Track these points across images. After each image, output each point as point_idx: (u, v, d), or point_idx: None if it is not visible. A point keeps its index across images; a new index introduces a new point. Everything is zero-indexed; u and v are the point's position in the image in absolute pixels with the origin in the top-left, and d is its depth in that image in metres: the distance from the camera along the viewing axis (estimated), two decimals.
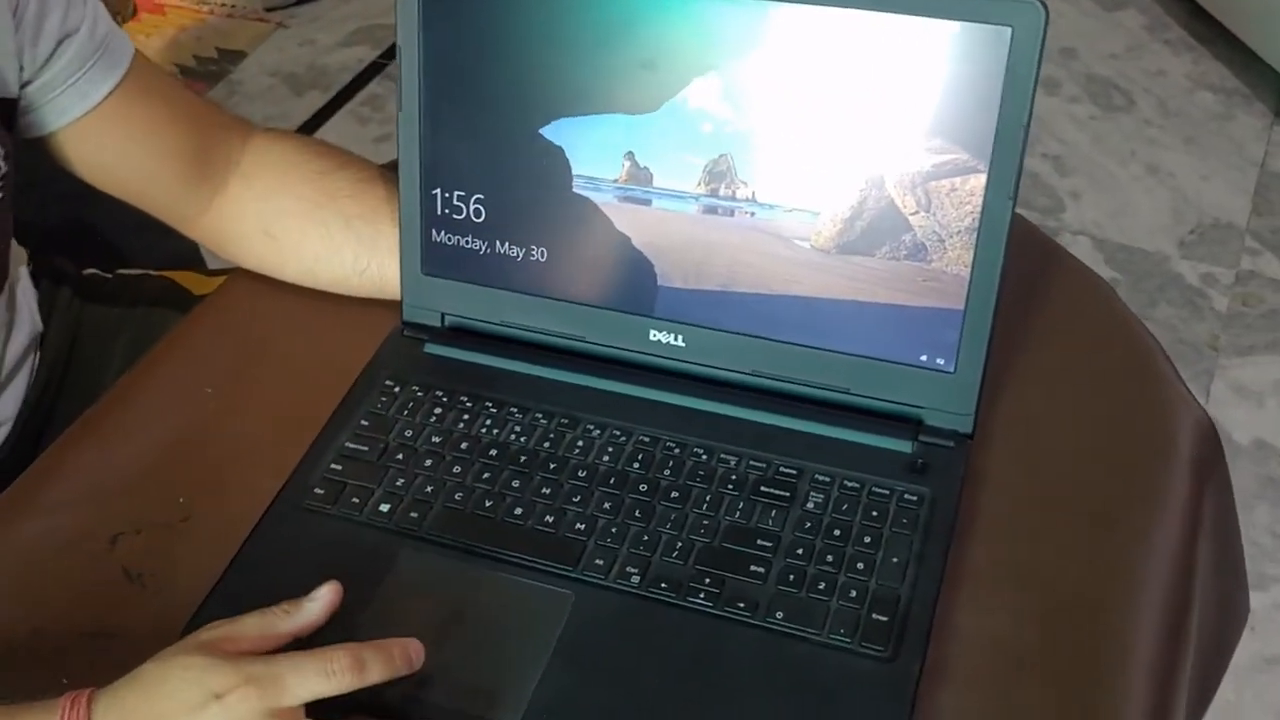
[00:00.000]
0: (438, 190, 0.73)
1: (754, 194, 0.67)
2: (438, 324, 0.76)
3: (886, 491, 0.65)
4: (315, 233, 0.76)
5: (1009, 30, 0.60)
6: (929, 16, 0.61)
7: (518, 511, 0.65)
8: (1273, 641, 1.26)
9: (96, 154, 0.74)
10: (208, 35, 2.34)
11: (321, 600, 0.58)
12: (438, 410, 0.71)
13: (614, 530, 0.64)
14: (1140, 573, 0.62)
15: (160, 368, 0.78)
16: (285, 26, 2.35)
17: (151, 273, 0.96)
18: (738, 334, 0.70)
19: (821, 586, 0.60)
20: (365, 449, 0.69)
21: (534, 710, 0.56)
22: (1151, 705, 0.57)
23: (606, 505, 0.65)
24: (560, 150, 0.70)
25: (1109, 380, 0.73)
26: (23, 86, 0.69)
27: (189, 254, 1.13)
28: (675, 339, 0.71)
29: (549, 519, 0.64)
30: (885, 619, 0.59)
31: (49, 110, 0.71)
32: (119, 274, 0.95)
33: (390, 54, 2.29)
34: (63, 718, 0.53)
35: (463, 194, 0.73)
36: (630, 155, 0.69)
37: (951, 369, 0.67)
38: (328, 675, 0.53)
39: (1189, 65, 2.09)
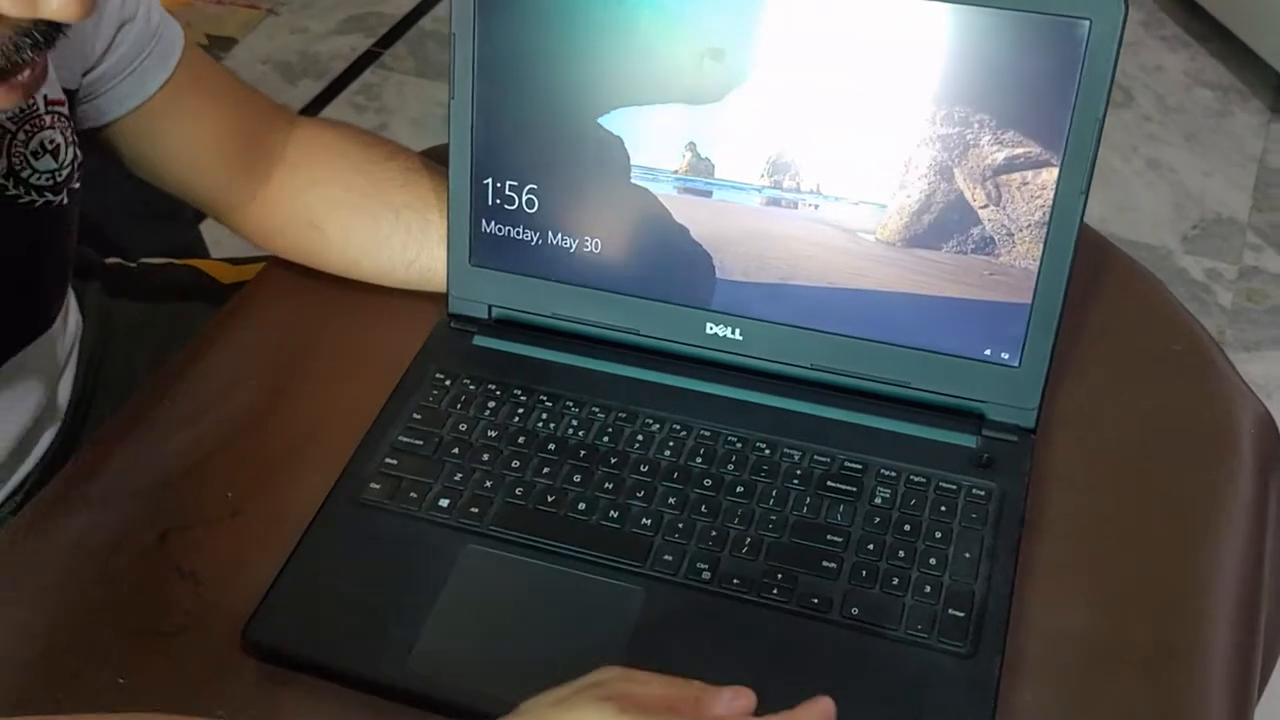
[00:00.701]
0: (489, 180, 0.72)
1: (818, 186, 0.66)
2: (484, 316, 0.75)
3: (954, 486, 0.64)
4: (362, 223, 0.75)
5: (1087, 23, 0.60)
6: (1006, 9, 0.61)
7: (581, 506, 0.64)
8: None
9: (148, 144, 0.72)
10: (197, 22, 2.30)
11: (742, 699, 0.50)
12: (491, 404, 0.70)
13: (680, 526, 0.63)
14: (1212, 563, 0.62)
15: (200, 360, 0.76)
16: (275, 13, 2.32)
17: (175, 261, 0.94)
18: (797, 327, 0.69)
19: (895, 582, 0.60)
20: (420, 443, 0.67)
21: None
22: (1230, 694, 0.57)
23: (671, 500, 0.64)
24: (619, 140, 0.69)
25: (1167, 373, 0.72)
26: (83, 75, 0.67)
27: (189, 243, 1.11)
28: (733, 332, 0.70)
29: (613, 514, 0.63)
30: (961, 614, 0.58)
31: (108, 100, 0.69)
32: (143, 263, 0.93)
33: (382, 43, 2.27)
34: None
35: (515, 184, 0.72)
36: (691, 146, 0.68)
37: (1016, 363, 0.66)
38: None
39: (1186, 62, 2.10)
